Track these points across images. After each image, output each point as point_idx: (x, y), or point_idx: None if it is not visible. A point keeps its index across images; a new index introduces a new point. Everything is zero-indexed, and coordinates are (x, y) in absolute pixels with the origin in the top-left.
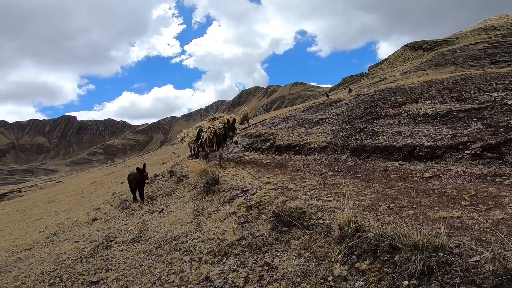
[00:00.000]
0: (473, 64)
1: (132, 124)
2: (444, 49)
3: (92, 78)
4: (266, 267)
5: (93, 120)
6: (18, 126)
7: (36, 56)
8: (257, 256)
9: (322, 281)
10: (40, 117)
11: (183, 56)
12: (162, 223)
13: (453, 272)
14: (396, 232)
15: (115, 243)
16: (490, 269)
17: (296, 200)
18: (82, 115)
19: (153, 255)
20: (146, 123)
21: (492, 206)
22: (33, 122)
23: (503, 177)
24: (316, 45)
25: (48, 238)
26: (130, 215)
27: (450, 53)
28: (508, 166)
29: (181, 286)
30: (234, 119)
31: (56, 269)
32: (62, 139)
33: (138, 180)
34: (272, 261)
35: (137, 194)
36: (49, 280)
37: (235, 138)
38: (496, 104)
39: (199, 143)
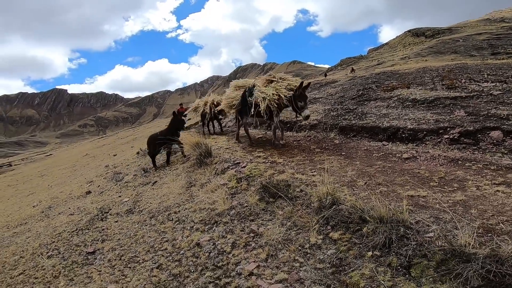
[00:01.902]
0: (473, 54)
1: (125, 97)
2: (447, 37)
3: (83, 52)
4: (252, 234)
5: (85, 93)
6: (7, 99)
7: (24, 30)
8: (244, 224)
9: (299, 248)
10: (29, 90)
11: (179, 31)
12: (155, 194)
13: (408, 245)
14: (366, 206)
15: (110, 214)
16: (439, 244)
17: (283, 174)
18: (73, 88)
19: (146, 225)
20: (139, 96)
21: (455, 188)
22: (22, 95)
23: (472, 162)
24: (317, 24)
25: (43, 212)
26: (124, 187)
27: (452, 42)
28: (481, 152)
29: (173, 252)
30: (308, 83)
31: (53, 241)
32: (52, 112)
33: (173, 128)
34: (258, 229)
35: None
36: (47, 252)
37: (306, 112)
38: (483, 94)
39: (249, 111)
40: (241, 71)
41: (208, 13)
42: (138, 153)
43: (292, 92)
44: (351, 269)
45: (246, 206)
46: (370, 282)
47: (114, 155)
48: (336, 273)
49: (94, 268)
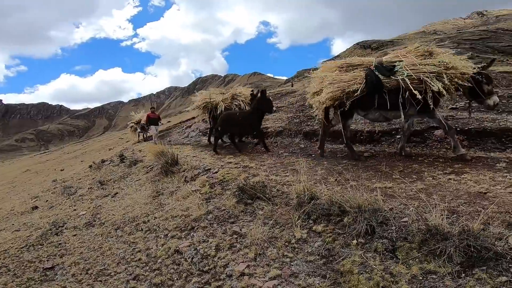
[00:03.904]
0: None
1: (71, 108)
2: (389, 49)
3: (24, 58)
4: (235, 236)
5: (23, 103)
6: None
7: None
8: (225, 227)
9: (286, 243)
10: None
11: (135, 39)
12: (118, 206)
13: (389, 230)
14: (344, 197)
15: (66, 228)
16: (417, 227)
17: (258, 176)
18: (10, 98)
19: (112, 237)
20: (88, 108)
21: (415, 179)
22: None
23: (424, 157)
24: (277, 36)
25: None
26: (79, 200)
27: None
28: (428, 148)
29: (149, 262)
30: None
31: None
32: None
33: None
34: (240, 230)
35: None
36: None
37: (495, 98)
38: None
39: (378, 100)
40: (200, 82)
41: (167, 22)
42: (91, 166)
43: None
44: (341, 258)
45: (224, 210)
46: (363, 268)
47: (62, 170)
48: (328, 264)
49: (57, 284)
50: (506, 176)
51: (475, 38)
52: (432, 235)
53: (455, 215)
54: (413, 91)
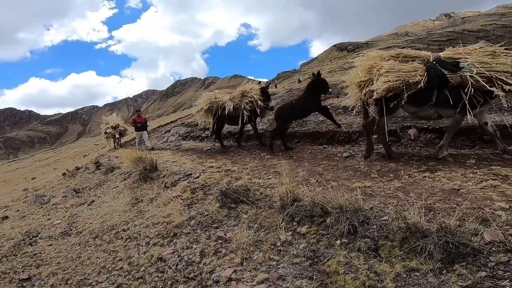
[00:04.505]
0: None
1: (42, 113)
2: (365, 51)
3: None
4: (220, 241)
5: None
6: None
7: None
8: (209, 232)
9: (272, 247)
10: None
11: (110, 42)
12: (95, 214)
13: (370, 230)
14: (325, 198)
15: (40, 238)
16: (397, 225)
17: (241, 180)
18: None
19: (90, 246)
20: (60, 113)
21: (392, 178)
22: None
23: (399, 155)
24: (258, 39)
25: None
26: (52, 209)
27: None
28: (403, 147)
29: (131, 270)
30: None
31: None
32: None
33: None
34: (225, 235)
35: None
36: None
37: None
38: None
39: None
40: (179, 85)
41: (144, 25)
42: (64, 174)
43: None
44: (326, 258)
45: (207, 215)
46: (349, 268)
47: (33, 178)
48: (313, 265)
49: None
50: (476, 172)
51: (443, 39)
52: (412, 233)
53: (432, 212)
54: (488, 88)
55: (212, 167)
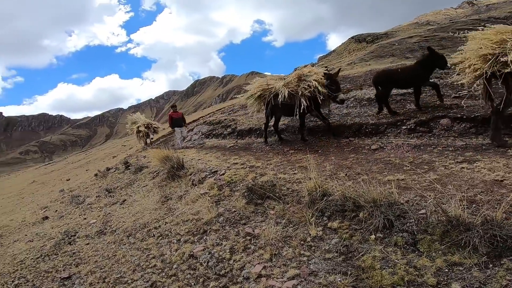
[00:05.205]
0: (408, 56)
1: (72, 118)
2: (384, 41)
3: (20, 69)
4: (248, 237)
5: (24, 115)
6: None
7: None
8: (237, 229)
9: (302, 242)
10: None
11: (129, 45)
12: (127, 213)
13: (408, 223)
14: (357, 192)
15: (78, 237)
16: (437, 219)
17: (266, 175)
18: (10, 110)
19: (125, 244)
20: (88, 116)
21: (427, 170)
22: None
23: (432, 146)
24: (272, 34)
25: None
26: (88, 209)
27: (389, 46)
28: (435, 137)
29: (165, 268)
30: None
31: (16, 270)
32: None
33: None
34: (253, 231)
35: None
36: (13, 281)
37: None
38: (426, 90)
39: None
40: (199, 85)
41: (160, 26)
42: (96, 175)
43: None
44: (361, 253)
45: (235, 211)
46: (385, 262)
47: (68, 180)
48: (347, 260)
49: None
50: None
51: (469, 27)
52: (454, 227)
53: (474, 205)
54: None
55: (236, 163)
